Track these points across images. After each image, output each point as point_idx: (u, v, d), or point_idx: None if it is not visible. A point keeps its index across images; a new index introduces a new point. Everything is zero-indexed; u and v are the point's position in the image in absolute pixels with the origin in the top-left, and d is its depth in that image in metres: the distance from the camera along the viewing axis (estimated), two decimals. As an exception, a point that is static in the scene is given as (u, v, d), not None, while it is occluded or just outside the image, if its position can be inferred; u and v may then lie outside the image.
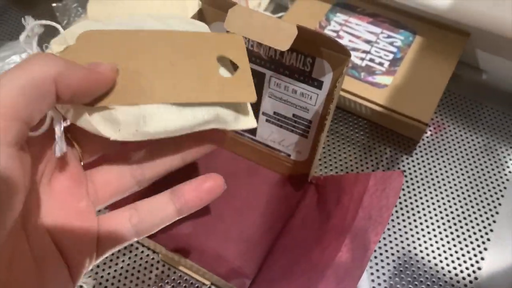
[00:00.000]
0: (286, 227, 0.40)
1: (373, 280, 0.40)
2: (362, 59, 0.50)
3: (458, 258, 0.41)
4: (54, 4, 0.56)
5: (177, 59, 0.25)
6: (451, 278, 0.40)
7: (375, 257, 0.41)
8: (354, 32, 0.53)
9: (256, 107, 0.40)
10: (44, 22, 0.24)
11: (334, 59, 0.33)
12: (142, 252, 0.41)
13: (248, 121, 0.27)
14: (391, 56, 0.50)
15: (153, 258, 0.41)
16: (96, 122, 0.22)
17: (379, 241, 0.42)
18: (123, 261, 0.41)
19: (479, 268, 0.41)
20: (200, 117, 0.24)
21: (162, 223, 0.24)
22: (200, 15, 0.36)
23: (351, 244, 0.32)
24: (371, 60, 0.50)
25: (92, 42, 0.23)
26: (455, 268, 0.41)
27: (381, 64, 0.50)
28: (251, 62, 0.37)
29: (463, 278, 0.40)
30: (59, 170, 0.22)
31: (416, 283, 0.40)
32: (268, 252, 0.39)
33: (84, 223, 0.22)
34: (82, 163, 0.24)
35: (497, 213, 0.44)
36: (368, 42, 0.52)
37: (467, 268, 0.41)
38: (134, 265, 0.41)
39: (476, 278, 0.40)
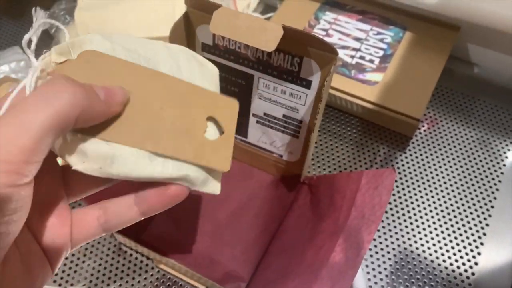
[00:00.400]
0: (280, 229, 0.40)
1: (369, 279, 0.40)
2: (352, 56, 0.50)
3: (454, 254, 0.41)
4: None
5: (168, 106, 0.24)
6: (448, 274, 0.40)
7: (371, 256, 0.41)
8: (344, 30, 0.52)
9: (246, 108, 0.39)
10: (51, 21, 0.23)
11: (321, 58, 0.33)
12: (136, 258, 0.41)
13: (215, 187, 0.26)
14: (381, 53, 0.50)
15: (147, 264, 0.41)
16: (64, 148, 0.21)
17: (375, 239, 0.42)
18: (117, 268, 0.41)
19: (476, 263, 0.41)
20: (168, 172, 0.23)
21: (128, 223, 0.25)
22: (186, 19, 0.36)
23: (345, 244, 0.31)
24: (361, 57, 0.50)
25: (92, 63, 0.23)
26: (451, 264, 0.40)
27: (371, 61, 0.50)
28: (239, 64, 0.36)
29: (460, 274, 0.40)
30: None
31: (413, 280, 0.40)
32: (263, 254, 0.39)
33: (61, 220, 0.23)
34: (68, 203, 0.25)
35: (492, 207, 0.44)
36: (357, 39, 0.51)
37: (463, 264, 0.41)
38: (128, 271, 0.40)
39: (473, 274, 0.40)
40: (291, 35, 0.31)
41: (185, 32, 0.37)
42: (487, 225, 0.43)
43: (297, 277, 0.33)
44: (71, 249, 0.24)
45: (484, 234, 0.42)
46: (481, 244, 0.42)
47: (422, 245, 0.42)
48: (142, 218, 0.25)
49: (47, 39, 0.55)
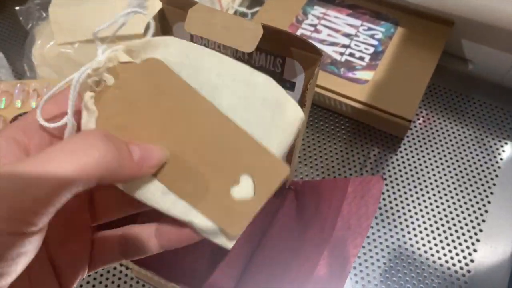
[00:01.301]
0: (264, 238, 0.38)
1: (363, 285, 0.38)
2: (342, 54, 0.48)
3: (450, 251, 0.40)
4: (17, 8, 0.53)
5: (204, 149, 0.22)
6: (443, 272, 0.38)
7: (365, 260, 0.39)
8: (333, 26, 0.50)
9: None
10: (138, 10, 0.23)
11: (305, 59, 0.30)
12: (115, 268, 0.39)
13: (225, 242, 0.23)
14: (371, 49, 0.48)
15: (126, 275, 0.39)
16: None
17: (368, 237, 0.40)
18: (94, 278, 0.39)
19: (472, 261, 0.39)
20: (175, 212, 0.21)
21: (146, 253, 0.23)
22: (161, 16, 0.33)
23: (329, 258, 0.30)
24: (351, 54, 0.48)
25: (152, 76, 0.21)
26: (447, 262, 0.39)
27: (361, 58, 0.47)
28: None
29: (456, 272, 0.39)
30: None
31: (407, 279, 0.38)
32: (246, 266, 0.37)
33: (82, 245, 0.22)
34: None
35: (489, 202, 0.42)
36: (347, 35, 0.49)
37: (459, 261, 0.39)
38: (107, 282, 0.39)
39: (469, 271, 0.39)
40: (272, 35, 0.29)
41: (161, 31, 0.34)
42: (483, 221, 0.41)
43: (281, 291, 0.31)
44: (88, 272, 0.23)
45: (481, 230, 0.41)
46: (477, 240, 0.40)
47: (417, 247, 0.40)
48: (161, 251, 0.23)
49: (21, 37, 0.53)
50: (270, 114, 0.23)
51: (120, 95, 0.22)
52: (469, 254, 0.40)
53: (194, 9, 0.30)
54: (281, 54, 0.31)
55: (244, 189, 0.22)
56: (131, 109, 0.22)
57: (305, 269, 0.30)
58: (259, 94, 0.23)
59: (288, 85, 0.32)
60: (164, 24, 0.34)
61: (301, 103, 0.33)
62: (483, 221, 0.41)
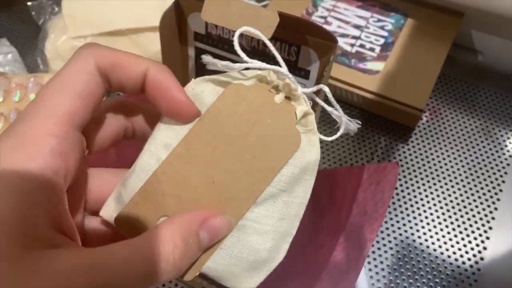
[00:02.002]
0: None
1: (371, 277, 0.38)
2: (352, 45, 0.48)
3: (459, 249, 0.40)
4: (29, 3, 0.53)
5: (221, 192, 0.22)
6: (453, 270, 0.39)
7: (373, 252, 0.40)
8: (343, 18, 0.50)
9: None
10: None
11: (320, 47, 0.31)
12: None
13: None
14: (382, 40, 0.48)
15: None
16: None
17: (381, 231, 0.40)
18: None
19: (484, 248, 0.39)
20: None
21: None
22: (176, 7, 0.34)
23: (346, 243, 0.30)
24: (362, 46, 0.48)
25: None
26: (456, 260, 0.39)
27: (372, 49, 0.48)
28: (233, 54, 0.35)
29: (469, 259, 0.39)
30: None
31: (416, 277, 0.38)
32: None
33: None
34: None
35: (498, 200, 0.42)
36: (357, 27, 0.50)
37: (469, 259, 0.39)
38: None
39: (482, 259, 0.39)
40: (288, 23, 0.29)
41: (176, 21, 0.35)
42: (493, 218, 0.41)
43: (297, 278, 0.31)
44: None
45: (490, 228, 0.41)
46: (487, 238, 0.40)
47: (426, 240, 0.40)
48: None
49: (33, 32, 0.53)
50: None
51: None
52: (482, 241, 0.40)
53: (210, -2, 0.30)
54: (296, 42, 0.31)
55: None
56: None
57: (322, 255, 0.31)
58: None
59: (303, 73, 0.33)
60: (179, 15, 0.34)
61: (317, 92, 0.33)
62: (495, 209, 0.41)
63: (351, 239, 0.30)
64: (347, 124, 0.24)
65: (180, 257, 0.18)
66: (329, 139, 0.24)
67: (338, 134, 0.24)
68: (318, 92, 0.25)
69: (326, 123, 0.47)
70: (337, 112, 0.25)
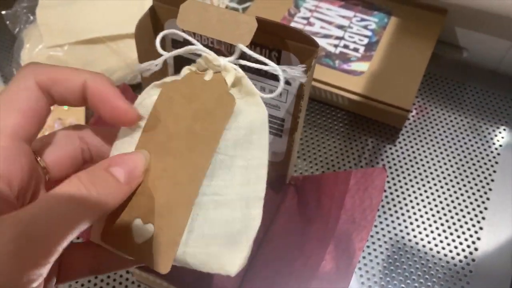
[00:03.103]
0: (267, 235, 0.37)
1: (363, 283, 0.38)
2: (336, 46, 0.47)
3: (450, 251, 0.39)
4: (3, 12, 0.52)
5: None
6: (447, 262, 0.38)
7: (364, 257, 0.39)
8: (326, 18, 0.50)
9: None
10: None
11: (301, 52, 0.30)
12: (115, 273, 0.39)
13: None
14: (366, 40, 0.48)
15: (127, 279, 0.38)
16: None
17: (372, 236, 0.40)
18: (95, 284, 0.38)
19: (476, 249, 0.39)
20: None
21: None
22: (152, 14, 0.33)
23: (335, 252, 0.29)
24: (345, 46, 0.47)
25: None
26: (448, 262, 0.39)
27: (356, 50, 0.47)
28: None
29: (460, 261, 0.38)
30: None
31: (408, 281, 0.38)
32: (250, 264, 0.36)
33: None
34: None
35: (487, 199, 0.42)
36: (341, 27, 0.49)
37: (463, 250, 0.39)
38: (107, 287, 0.38)
39: (473, 260, 0.38)
40: (267, 28, 0.28)
41: (153, 29, 0.34)
42: (485, 208, 0.41)
43: (286, 288, 0.30)
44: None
45: (483, 218, 0.40)
46: (481, 228, 0.40)
47: (416, 240, 0.40)
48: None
49: (9, 41, 0.52)
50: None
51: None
52: (473, 242, 0.39)
53: (186, 4, 0.29)
54: (276, 47, 0.30)
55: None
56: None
57: (310, 264, 0.30)
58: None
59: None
60: (156, 22, 0.33)
61: (298, 97, 0.33)
62: (485, 208, 0.41)
63: (340, 248, 0.29)
64: (290, 73, 0.25)
65: (98, 192, 0.19)
66: (270, 95, 0.24)
67: (279, 88, 0.25)
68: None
69: (316, 121, 0.46)
70: (270, 66, 0.25)
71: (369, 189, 0.30)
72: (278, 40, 0.30)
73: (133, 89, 0.39)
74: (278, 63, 0.31)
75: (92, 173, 0.20)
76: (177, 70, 0.36)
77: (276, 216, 0.38)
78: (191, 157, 0.22)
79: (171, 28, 0.33)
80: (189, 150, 0.22)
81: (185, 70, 0.25)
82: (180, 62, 0.35)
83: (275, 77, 0.32)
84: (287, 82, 0.32)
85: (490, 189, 0.42)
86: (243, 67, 0.33)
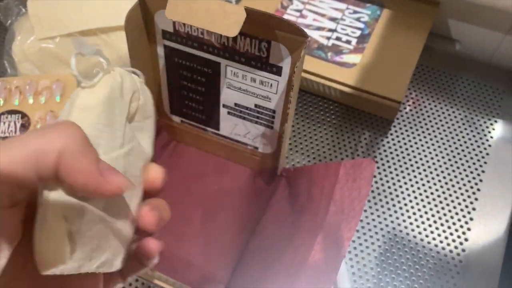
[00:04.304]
0: (258, 226, 0.37)
1: (354, 273, 0.38)
2: (328, 38, 0.47)
3: (441, 241, 0.39)
4: (-5, 4, 0.51)
5: None
6: (438, 253, 0.38)
7: (355, 248, 0.39)
8: (318, 10, 0.50)
9: (215, 99, 0.37)
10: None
11: (291, 42, 0.30)
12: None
13: None
14: (358, 32, 0.48)
15: (119, 271, 0.38)
16: None
17: (361, 221, 0.40)
18: (87, 276, 0.38)
19: (466, 240, 0.39)
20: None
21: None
22: (142, 5, 0.33)
23: (324, 243, 0.29)
24: (338, 38, 0.47)
25: None
26: (438, 253, 0.39)
27: (348, 42, 0.47)
28: (203, 51, 0.34)
29: (450, 251, 0.39)
30: None
31: (399, 271, 0.38)
32: (240, 254, 0.36)
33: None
34: None
35: (478, 190, 0.42)
36: (333, 19, 0.49)
37: (453, 241, 0.39)
38: (100, 279, 0.38)
39: (463, 250, 0.39)
40: (256, 18, 0.28)
41: (143, 20, 0.34)
42: (476, 199, 0.41)
43: (277, 278, 0.30)
44: None
45: (474, 208, 0.41)
46: (471, 219, 0.40)
47: (408, 231, 0.40)
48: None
49: (1, 34, 0.52)
50: None
51: None
52: (463, 233, 0.40)
53: (174, -5, 0.29)
54: (266, 38, 0.30)
55: None
56: None
57: (300, 255, 0.30)
58: None
59: (274, 70, 0.32)
60: (146, 13, 0.33)
61: (288, 88, 0.33)
62: (476, 199, 0.41)
63: (328, 238, 0.29)
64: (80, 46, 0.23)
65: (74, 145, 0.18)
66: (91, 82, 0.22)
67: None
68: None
69: (308, 113, 0.46)
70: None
71: (358, 180, 0.30)
72: (268, 31, 0.30)
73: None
74: (268, 53, 0.31)
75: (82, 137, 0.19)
76: (168, 63, 0.36)
77: (268, 207, 0.38)
78: None
79: (161, 20, 0.33)
80: None
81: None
82: (171, 54, 0.35)
83: (265, 68, 0.33)
84: (278, 73, 0.32)
85: (481, 180, 0.42)
86: (233, 58, 0.33)
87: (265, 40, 0.30)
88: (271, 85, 0.33)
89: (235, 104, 0.36)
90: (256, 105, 0.35)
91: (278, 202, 0.38)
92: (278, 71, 0.32)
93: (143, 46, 0.35)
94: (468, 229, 0.40)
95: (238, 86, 0.35)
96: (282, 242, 0.33)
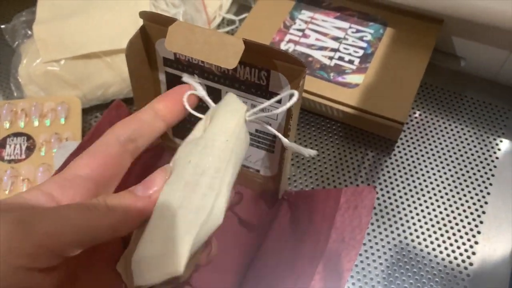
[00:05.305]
0: (259, 252, 0.37)
1: (359, 279, 0.38)
2: (331, 58, 0.47)
3: (451, 245, 0.40)
4: (2, 26, 0.52)
5: None
6: (445, 266, 0.39)
7: (363, 268, 0.39)
8: (321, 30, 0.50)
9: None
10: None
11: (289, 72, 0.30)
12: None
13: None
14: (361, 52, 0.48)
15: (122, 294, 0.38)
16: None
17: (371, 246, 0.40)
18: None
19: (473, 253, 0.39)
20: None
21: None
22: (143, 33, 0.33)
23: (324, 272, 0.29)
24: (340, 58, 0.47)
25: None
26: (448, 255, 0.39)
27: (351, 62, 0.47)
28: (204, 78, 0.34)
29: (458, 265, 0.39)
30: None
31: (409, 274, 0.38)
32: (241, 280, 0.36)
33: None
34: None
35: (488, 193, 0.42)
36: (336, 39, 0.49)
37: (461, 255, 0.39)
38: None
39: (471, 264, 0.39)
40: (255, 49, 0.29)
41: (144, 47, 0.34)
42: (483, 212, 0.41)
43: (276, 308, 0.30)
44: None
45: (481, 222, 0.40)
46: (478, 232, 0.40)
47: (417, 241, 0.40)
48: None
49: (7, 55, 0.52)
50: None
51: None
52: (471, 247, 0.39)
53: (173, 26, 0.29)
54: (265, 67, 0.30)
55: None
56: None
57: (301, 284, 0.30)
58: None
59: (274, 97, 0.32)
60: (147, 41, 0.33)
61: (288, 117, 0.33)
62: (483, 212, 0.41)
63: (329, 268, 0.29)
64: None
65: (109, 202, 0.21)
66: None
67: None
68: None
69: (311, 133, 0.46)
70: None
71: (359, 208, 0.30)
72: (267, 60, 0.30)
73: (128, 103, 0.40)
74: (268, 82, 0.31)
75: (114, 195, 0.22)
76: (169, 88, 0.36)
77: (269, 231, 0.38)
78: None
79: (162, 47, 0.33)
80: None
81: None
82: (172, 80, 0.35)
83: (265, 95, 0.33)
84: (278, 101, 0.32)
85: (488, 193, 0.42)
86: (234, 86, 0.33)
87: (265, 69, 0.31)
88: (271, 111, 0.33)
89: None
90: (256, 130, 0.36)
91: (280, 227, 0.38)
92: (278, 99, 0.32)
93: (145, 72, 0.36)
94: (476, 243, 0.40)
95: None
96: (284, 268, 0.33)
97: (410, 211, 0.42)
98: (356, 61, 0.47)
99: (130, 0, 0.47)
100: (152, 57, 0.35)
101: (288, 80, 0.30)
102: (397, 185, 0.43)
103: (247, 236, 0.38)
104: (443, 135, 0.46)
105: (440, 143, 0.46)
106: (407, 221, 0.41)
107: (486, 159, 0.44)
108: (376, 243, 0.40)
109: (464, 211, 0.41)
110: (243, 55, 0.28)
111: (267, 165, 0.38)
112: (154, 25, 0.32)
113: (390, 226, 0.41)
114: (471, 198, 0.42)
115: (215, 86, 0.34)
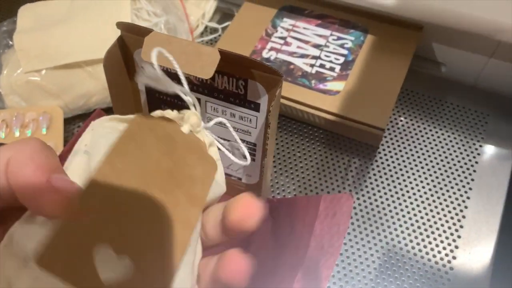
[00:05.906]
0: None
1: (347, 282, 0.38)
2: (312, 65, 0.48)
3: (432, 249, 0.40)
4: (-17, 36, 0.52)
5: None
6: (426, 271, 0.39)
7: (354, 260, 0.39)
8: (302, 37, 0.50)
9: (197, 133, 0.37)
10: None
11: (267, 81, 0.30)
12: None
13: None
14: (342, 59, 0.48)
15: None
16: None
17: (357, 236, 0.40)
18: None
19: (454, 258, 0.40)
20: None
21: None
22: (121, 43, 0.33)
23: (304, 280, 0.29)
24: (322, 65, 0.48)
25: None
26: (429, 260, 0.39)
27: (332, 69, 0.47)
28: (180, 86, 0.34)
29: (438, 270, 0.39)
30: None
31: (394, 278, 0.38)
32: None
33: None
34: None
35: (468, 198, 0.43)
36: (317, 46, 0.49)
37: (439, 270, 0.39)
38: None
39: (451, 268, 0.39)
40: (231, 58, 0.29)
41: (123, 57, 0.34)
42: (461, 227, 0.41)
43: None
44: None
45: (459, 237, 0.41)
46: (456, 247, 0.40)
47: (401, 245, 0.40)
48: None
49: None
50: None
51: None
52: (451, 251, 0.40)
53: (149, 37, 0.29)
54: (242, 77, 0.31)
55: None
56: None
57: (280, 293, 0.30)
58: None
59: (252, 106, 0.32)
60: (125, 51, 0.33)
61: (266, 125, 0.33)
62: (464, 217, 0.42)
63: (308, 275, 0.29)
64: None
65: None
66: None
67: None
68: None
69: (293, 139, 0.47)
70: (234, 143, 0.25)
71: (337, 215, 0.30)
72: (244, 70, 0.30)
73: (111, 112, 0.39)
74: (246, 91, 0.32)
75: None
76: (149, 97, 0.37)
77: (251, 238, 0.38)
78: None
79: (140, 57, 0.34)
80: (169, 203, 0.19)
81: (157, 113, 0.23)
82: (151, 89, 0.36)
83: (243, 104, 0.33)
84: (256, 109, 0.32)
85: (468, 198, 0.43)
86: (213, 95, 0.33)
87: (242, 79, 0.31)
88: (250, 120, 0.33)
89: (217, 137, 0.37)
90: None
91: (261, 234, 0.38)
92: (256, 107, 0.32)
93: (123, 82, 0.36)
94: (456, 247, 0.40)
95: (219, 120, 0.35)
96: (265, 277, 0.33)
97: (392, 216, 0.42)
98: (337, 68, 0.47)
99: (111, 10, 0.47)
100: (131, 67, 0.35)
101: (266, 89, 0.31)
102: (379, 191, 0.43)
103: (229, 246, 0.38)
104: (424, 141, 0.47)
105: (421, 148, 0.46)
106: (389, 227, 0.41)
107: (466, 163, 0.45)
108: (358, 249, 0.40)
109: (445, 215, 0.42)
110: (220, 65, 0.28)
111: (248, 173, 0.38)
112: (131, 35, 0.32)
113: (372, 231, 0.41)
114: (451, 202, 0.43)
115: (194, 95, 0.34)
